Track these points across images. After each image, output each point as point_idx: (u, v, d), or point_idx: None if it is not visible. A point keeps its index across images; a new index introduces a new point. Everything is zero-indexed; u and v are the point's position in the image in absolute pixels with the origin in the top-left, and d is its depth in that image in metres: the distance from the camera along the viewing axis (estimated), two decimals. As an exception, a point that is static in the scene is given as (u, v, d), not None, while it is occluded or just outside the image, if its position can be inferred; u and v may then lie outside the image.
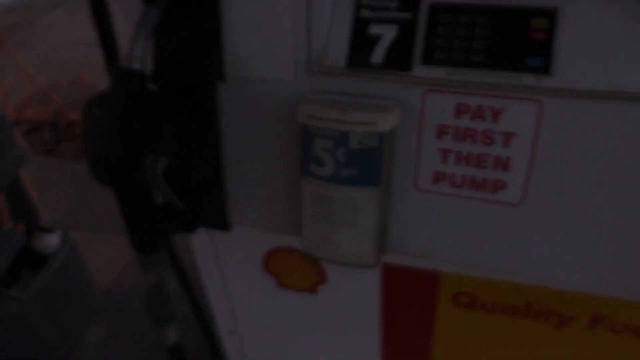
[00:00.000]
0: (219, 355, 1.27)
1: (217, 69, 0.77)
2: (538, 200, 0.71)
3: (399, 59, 0.69)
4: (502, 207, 0.73)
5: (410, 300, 1.04)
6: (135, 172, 0.69)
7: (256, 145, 0.81)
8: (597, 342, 0.96)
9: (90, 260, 1.90)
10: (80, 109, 0.74)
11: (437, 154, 0.73)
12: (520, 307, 0.96)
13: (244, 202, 0.87)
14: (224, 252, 1.07)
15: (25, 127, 3.27)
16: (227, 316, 1.20)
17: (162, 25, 0.72)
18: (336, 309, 1.10)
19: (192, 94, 0.77)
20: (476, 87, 0.67)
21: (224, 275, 1.13)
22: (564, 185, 0.69)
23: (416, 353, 1.11)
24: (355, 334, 1.13)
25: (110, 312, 1.90)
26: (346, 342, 1.15)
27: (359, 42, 0.71)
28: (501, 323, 1.00)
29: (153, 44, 0.77)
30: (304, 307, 1.12)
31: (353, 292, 1.06)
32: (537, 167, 0.69)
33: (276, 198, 0.84)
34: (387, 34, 0.69)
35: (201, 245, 1.07)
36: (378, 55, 0.70)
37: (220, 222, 0.89)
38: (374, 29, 0.70)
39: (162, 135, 0.75)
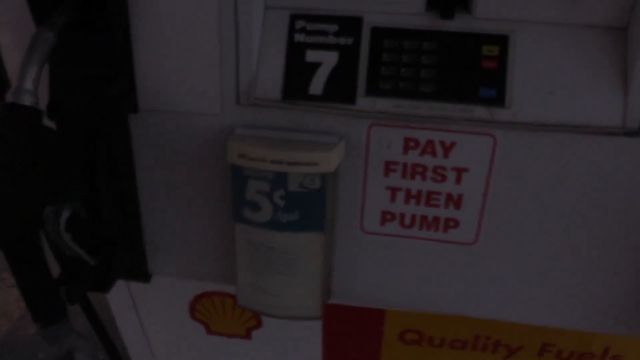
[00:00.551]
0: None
1: (127, 99, 0.66)
2: (492, 239, 0.66)
3: (340, 90, 0.62)
4: (455, 247, 0.68)
5: (355, 339, 0.97)
6: (29, 233, 0.56)
7: (178, 187, 0.71)
8: (544, 370, 0.94)
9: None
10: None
11: (384, 193, 0.66)
12: (469, 340, 0.92)
13: (165, 250, 0.76)
14: (143, 301, 0.95)
15: None
16: (150, 370, 1.07)
17: (59, 50, 0.60)
18: (273, 353, 1.01)
19: (99, 130, 0.65)
20: (425, 120, 0.61)
21: (145, 326, 1.00)
22: (519, 221, 0.65)
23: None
24: (295, 378, 1.04)
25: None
26: (285, 388, 1.06)
27: (295, 71, 0.62)
28: (449, 357, 0.95)
29: (48, 74, 0.64)
30: (238, 354, 1.02)
31: (291, 335, 0.97)
32: (490, 203, 0.64)
33: (204, 245, 0.74)
34: (326, 61, 0.62)
35: (117, 295, 0.94)
36: (317, 85, 0.62)
37: (139, 273, 0.77)
38: (312, 56, 0.62)
39: (62, 182, 0.63)
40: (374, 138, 0.63)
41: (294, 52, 0.62)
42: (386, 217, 0.67)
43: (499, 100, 0.59)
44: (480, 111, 0.59)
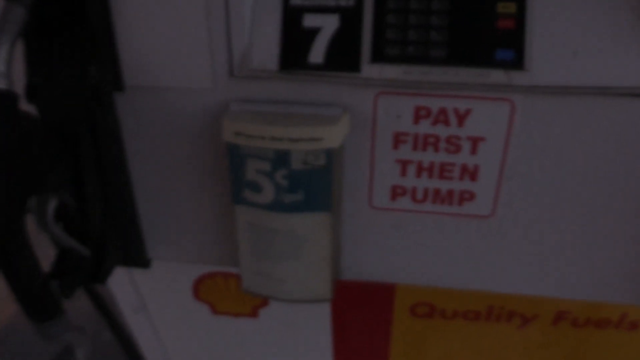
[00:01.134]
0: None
1: (111, 76, 0.60)
2: (509, 211, 0.62)
3: (343, 57, 0.56)
4: (470, 221, 0.64)
5: (364, 314, 0.94)
6: (13, 226, 0.52)
7: (172, 168, 0.66)
8: (560, 337, 0.92)
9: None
10: None
11: (394, 167, 0.62)
12: (482, 311, 0.89)
13: (163, 234, 0.72)
14: (145, 284, 0.91)
15: None
16: (158, 353, 1.04)
17: (32, 27, 0.55)
18: (281, 331, 0.99)
19: (82, 112, 0.60)
20: (437, 87, 0.56)
21: (149, 308, 0.97)
22: (537, 191, 0.61)
23: (372, 368, 1.02)
24: (304, 354, 1.02)
25: (12, 350, 1.67)
26: (295, 364, 1.04)
27: (293, 38, 0.57)
28: (462, 328, 0.93)
29: (23, 54, 0.58)
30: (245, 333, 1.00)
31: (299, 311, 0.95)
32: (507, 174, 0.60)
33: (203, 228, 0.70)
34: (326, 26, 0.56)
35: (118, 280, 0.90)
36: (317, 53, 0.57)
37: (138, 259, 0.73)
38: (310, 21, 0.56)
39: (46, 169, 0.58)
40: (382, 108, 0.58)
41: (291, 17, 0.57)
42: (396, 191, 0.63)
43: (517, 62, 0.54)
44: (497, 75, 0.54)
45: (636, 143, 0.56)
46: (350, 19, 0.56)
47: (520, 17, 0.54)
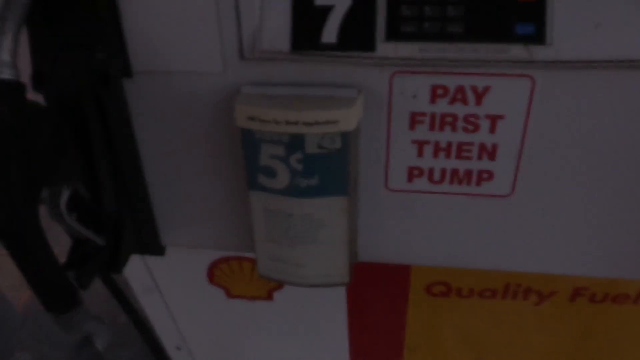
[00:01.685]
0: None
1: (118, 62, 0.59)
2: (529, 190, 0.61)
3: (357, 36, 0.54)
4: (489, 201, 0.63)
5: (380, 294, 0.94)
6: (27, 219, 0.51)
7: (184, 154, 0.65)
8: (577, 313, 0.91)
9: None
10: None
11: (410, 147, 0.60)
12: (499, 289, 0.89)
13: (177, 221, 0.71)
14: (159, 270, 0.91)
15: None
16: (171, 334, 1.05)
17: (36, 13, 0.53)
18: (296, 312, 0.99)
19: (90, 99, 0.59)
20: (455, 65, 0.54)
21: (164, 293, 0.97)
22: (557, 169, 0.59)
23: (388, 348, 1.02)
24: (320, 335, 1.02)
25: (32, 335, 1.69)
26: (310, 345, 1.04)
27: (304, 17, 0.55)
28: (478, 306, 0.92)
29: (27, 42, 0.57)
30: (260, 315, 1.00)
31: (314, 294, 0.94)
32: (527, 152, 0.59)
33: (217, 214, 0.69)
34: (338, 3, 0.54)
35: (132, 266, 0.90)
36: (330, 32, 0.55)
37: (152, 246, 0.73)
38: (322, -1, 0.55)
39: (57, 160, 0.57)
40: (397, 88, 0.57)
41: (302, -5, 0.55)
42: (413, 173, 0.62)
43: (538, 36, 0.52)
44: (517, 50, 0.52)
45: (663, 118, 0.54)
46: (363, -5, 0.54)
47: (541, -11, 0.51)
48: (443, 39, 0.53)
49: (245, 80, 0.59)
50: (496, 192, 0.62)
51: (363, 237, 0.68)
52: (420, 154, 0.60)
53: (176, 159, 0.65)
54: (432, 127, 0.58)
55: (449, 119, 0.58)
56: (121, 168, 0.63)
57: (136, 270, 0.89)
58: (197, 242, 0.72)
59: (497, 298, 0.90)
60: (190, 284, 0.94)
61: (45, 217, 0.61)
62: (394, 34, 0.54)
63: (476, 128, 0.58)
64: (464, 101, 0.56)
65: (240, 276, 0.92)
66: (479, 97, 0.56)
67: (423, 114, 0.58)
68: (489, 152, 0.59)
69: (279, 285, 0.94)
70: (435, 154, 0.60)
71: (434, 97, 0.57)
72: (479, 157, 0.60)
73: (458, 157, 0.60)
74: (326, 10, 0.55)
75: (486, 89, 0.55)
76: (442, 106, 0.57)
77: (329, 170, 0.58)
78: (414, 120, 0.58)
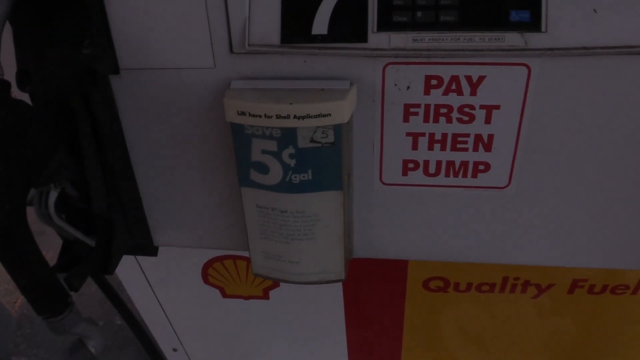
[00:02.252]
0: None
1: (104, 59, 0.57)
2: (526, 181, 0.60)
3: (348, 27, 0.53)
4: (486, 193, 0.62)
5: (377, 290, 0.93)
6: (15, 221, 0.50)
7: (175, 152, 0.64)
8: (576, 305, 0.91)
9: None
10: None
11: (405, 140, 0.59)
12: (497, 283, 0.88)
13: (169, 221, 0.70)
14: (153, 271, 0.90)
15: None
16: (167, 336, 1.04)
17: (20, 10, 0.52)
18: (293, 311, 0.98)
19: (77, 97, 0.58)
20: (449, 54, 0.53)
21: (158, 295, 0.96)
22: (554, 159, 0.58)
23: (386, 345, 1.02)
24: (317, 333, 1.01)
25: (28, 339, 1.67)
26: (308, 343, 1.03)
27: (294, 8, 0.54)
28: (476, 300, 0.92)
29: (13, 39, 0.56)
30: (257, 315, 0.99)
31: (310, 292, 0.94)
32: (524, 142, 0.58)
33: (210, 213, 0.68)
34: (328, -6, 0.53)
35: (126, 267, 0.89)
36: (321, 23, 0.54)
37: (144, 247, 0.72)
38: (312, -11, 0.53)
39: (44, 160, 0.56)
40: (390, 79, 0.56)
41: (291, -13, 0.53)
42: (408, 166, 0.61)
43: (533, 23, 0.51)
44: (512, 38, 0.51)
45: (661, 104, 0.53)
46: (354, -15, 0.53)
47: (535, -26, 0.50)
48: (437, 28, 0.52)
49: (236, 75, 0.58)
50: (493, 184, 0.61)
51: (358, 233, 0.67)
52: (415, 146, 0.59)
53: (167, 157, 0.64)
54: (426, 119, 0.57)
55: (443, 110, 0.57)
56: (110, 167, 0.62)
57: (129, 272, 0.88)
58: (191, 241, 0.71)
59: (495, 292, 0.89)
60: (184, 285, 0.93)
61: (36, 219, 0.59)
62: (386, 24, 0.53)
63: (471, 119, 0.57)
64: (459, 91, 0.55)
65: (235, 275, 0.91)
66: (474, 87, 0.55)
67: (417, 106, 0.57)
68: (485, 143, 0.58)
69: (275, 284, 0.93)
70: (430, 146, 0.59)
71: (427, 87, 0.55)
72: (475, 149, 0.59)
73: (453, 149, 0.59)
74: (316, 1, 0.53)
75: (481, 79, 0.54)
76: (436, 97, 0.56)
77: (322, 165, 0.56)
78: (408, 111, 0.57)
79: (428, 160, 0.60)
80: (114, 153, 0.62)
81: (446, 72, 0.54)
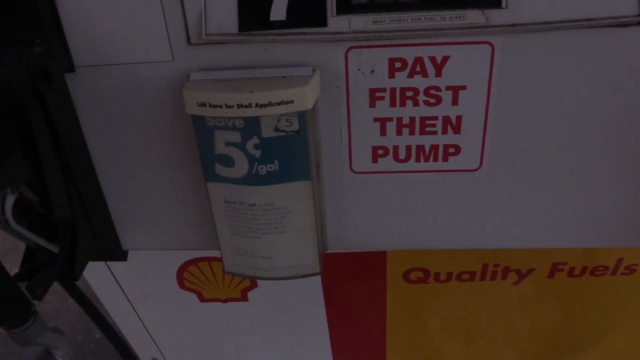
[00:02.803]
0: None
1: (57, 57, 0.55)
2: (498, 161, 0.59)
3: (307, 11, 0.52)
4: (458, 176, 0.61)
5: (356, 285, 0.91)
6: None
7: (137, 149, 0.62)
8: (556, 289, 0.90)
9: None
10: None
11: (372, 126, 0.58)
12: (477, 271, 0.87)
13: (137, 222, 0.67)
14: (125, 278, 0.87)
15: None
16: (146, 346, 1.01)
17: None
18: (272, 311, 0.96)
19: (30, 97, 0.55)
20: (411, 35, 0.52)
21: (133, 303, 0.94)
22: (525, 137, 0.58)
23: (369, 340, 1.00)
24: (299, 332, 0.99)
25: None
26: (291, 343, 1.01)
27: (250, -5, 0.52)
28: (457, 290, 0.91)
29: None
30: (236, 317, 0.97)
31: (289, 291, 0.92)
32: (492, 122, 0.57)
33: (177, 211, 0.66)
34: (285, -21, 0.52)
35: (96, 275, 0.86)
36: (279, 9, 0.52)
37: (112, 252, 0.69)
38: (267, -25, 0.52)
39: (-2, 163, 0.53)
40: (353, 63, 0.54)
41: (246, -28, 0.52)
42: (377, 152, 0.60)
43: (494, 0, 0.50)
44: (473, 16, 0.50)
45: (626, 76, 0.52)
46: (310, -32, 0.51)
47: (492, -52, 0.50)
48: (397, 9, 0.51)
49: (195, 67, 0.56)
50: (464, 166, 0.60)
51: (332, 225, 0.66)
52: (383, 132, 0.58)
53: (129, 155, 0.62)
54: (393, 103, 0.56)
55: (409, 93, 0.56)
56: (70, 169, 0.60)
57: (101, 279, 0.85)
58: (160, 243, 0.69)
59: (475, 280, 0.88)
60: (160, 291, 0.90)
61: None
62: (345, 7, 0.52)
63: (438, 101, 0.56)
64: (424, 73, 0.54)
65: (212, 278, 0.89)
66: (439, 68, 0.54)
67: (382, 90, 0.55)
68: (454, 125, 0.57)
69: (253, 284, 0.91)
70: (399, 130, 0.58)
71: (392, 70, 0.54)
72: (444, 131, 0.58)
73: (422, 132, 0.58)
74: (273, -14, 0.52)
75: (445, 59, 0.54)
76: (401, 80, 0.55)
77: (288, 155, 0.55)
78: (374, 96, 0.56)
79: (397, 146, 0.59)
80: (74, 154, 0.59)
81: (410, 54, 0.53)
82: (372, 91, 0.56)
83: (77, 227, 0.61)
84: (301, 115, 0.53)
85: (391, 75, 0.55)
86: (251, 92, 0.51)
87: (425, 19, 0.51)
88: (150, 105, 0.59)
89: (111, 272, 0.88)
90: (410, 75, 0.55)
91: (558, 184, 0.60)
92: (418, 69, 0.54)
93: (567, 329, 0.99)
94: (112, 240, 0.68)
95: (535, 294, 0.90)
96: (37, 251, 0.62)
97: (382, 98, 0.56)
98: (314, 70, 0.54)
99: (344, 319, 0.97)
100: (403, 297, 0.92)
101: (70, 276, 0.61)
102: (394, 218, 0.65)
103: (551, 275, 0.87)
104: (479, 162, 0.59)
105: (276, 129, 0.53)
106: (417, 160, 0.60)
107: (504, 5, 0.50)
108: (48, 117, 0.57)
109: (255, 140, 0.53)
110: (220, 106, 0.52)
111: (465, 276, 0.88)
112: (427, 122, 0.57)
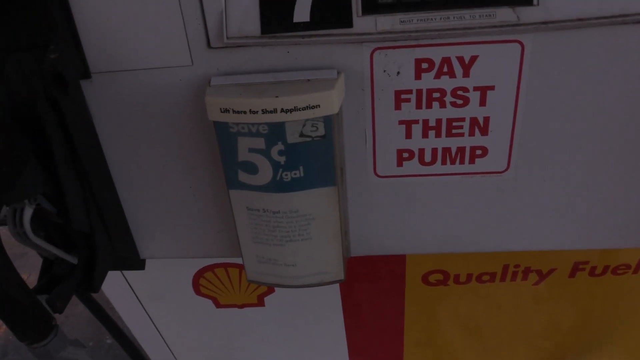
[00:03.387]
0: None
1: (73, 64, 0.54)
2: (526, 163, 0.58)
3: (331, 12, 0.50)
4: (484, 178, 0.59)
5: (375, 288, 0.90)
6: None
7: (156, 157, 0.60)
8: (577, 288, 0.89)
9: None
10: None
11: (397, 129, 0.57)
12: (497, 272, 0.86)
13: (155, 231, 0.66)
14: (141, 286, 0.86)
15: None
16: (161, 353, 1.00)
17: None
18: (289, 316, 0.94)
19: (46, 105, 0.54)
20: (439, 35, 0.51)
21: (148, 310, 0.92)
22: (553, 139, 0.56)
23: (387, 344, 0.99)
24: (316, 337, 0.98)
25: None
26: (308, 348, 1.00)
27: (273, -3, 0.51)
28: (477, 291, 0.89)
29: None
30: (253, 323, 0.95)
31: (306, 295, 0.90)
32: (521, 123, 0.55)
33: (198, 220, 0.64)
34: (309, -21, 0.50)
35: (113, 286, 0.85)
36: (302, 10, 0.51)
37: (130, 261, 0.68)
38: (290, -25, 0.50)
39: (16, 174, 0.52)
40: (379, 65, 0.53)
41: (268, -27, 0.50)
42: (402, 156, 0.58)
43: (525, -4, 0.49)
44: (504, 13, 0.49)
45: (660, 74, 0.51)
46: (334, -32, 0.50)
47: (523, -55, 0.48)
48: (424, 8, 0.50)
49: (215, 71, 0.54)
50: (491, 168, 0.58)
51: (354, 230, 0.64)
52: (408, 134, 0.57)
53: (148, 163, 0.60)
54: (419, 105, 0.55)
55: (436, 95, 0.54)
56: (87, 178, 0.58)
57: (116, 288, 0.84)
58: (179, 252, 0.68)
59: (495, 281, 0.87)
60: (176, 298, 0.89)
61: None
62: (371, 7, 0.50)
63: (465, 102, 0.54)
64: (451, 74, 0.53)
65: (228, 284, 0.88)
66: (467, 68, 0.52)
67: (409, 92, 0.54)
68: (481, 126, 0.56)
69: (270, 290, 0.90)
70: (425, 133, 0.56)
71: (418, 71, 0.53)
72: (471, 133, 0.56)
73: (449, 134, 0.56)
74: (296, -13, 0.50)
75: (473, 59, 0.52)
76: (428, 81, 0.53)
77: (313, 160, 0.53)
78: (399, 98, 0.54)
79: (423, 149, 0.58)
80: (90, 163, 0.58)
81: (437, 54, 0.52)
82: (398, 93, 0.54)
83: (95, 238, 0.60)
84: (327, 120, 0.51)
85: (417, 77, 0.53)
86: (276, 97, 0.49)
87: (454, 17, 0.50)
88: (169, 112, 0.57)
89: (125, 278, 0.86)
90: (437, 76, 0.53)
91: (583, 186, 0.59)
92: (445, 69, 0.53)
93: (586, 327, 0.97)
94: (130, 250, 0.66)
95: (556, 294, 0.89)
96: (55, 263, 0.60)
97: (408, 100, 0.55)
98: (338, 73, 0.52)
99: (361, 323, 0.95)
100: (422, 300, 0.90)
101: (90, 288, 0.59)
102: (418, 222, 0.63)
103: (572, 274, 0.86)
104: (507, 163, 0.58)
105: (301, 135, 0.52)
106: (443, 163, 0.58)
107: (535, 2, 0.48)
108: (63, 125, 0.55)
109: (280, 146, 0.52)
110: (245, 112, 0.50)
111: (486, 277, 0.86)
112: (454, 123, 0.56)
